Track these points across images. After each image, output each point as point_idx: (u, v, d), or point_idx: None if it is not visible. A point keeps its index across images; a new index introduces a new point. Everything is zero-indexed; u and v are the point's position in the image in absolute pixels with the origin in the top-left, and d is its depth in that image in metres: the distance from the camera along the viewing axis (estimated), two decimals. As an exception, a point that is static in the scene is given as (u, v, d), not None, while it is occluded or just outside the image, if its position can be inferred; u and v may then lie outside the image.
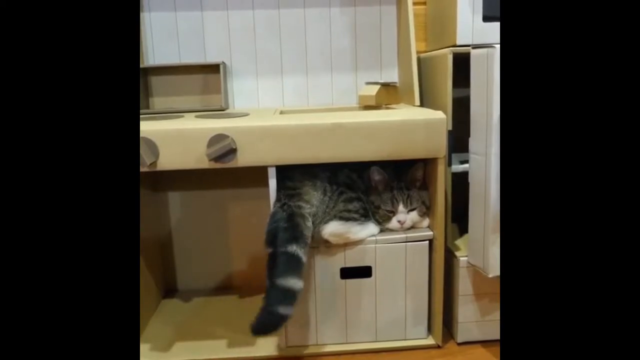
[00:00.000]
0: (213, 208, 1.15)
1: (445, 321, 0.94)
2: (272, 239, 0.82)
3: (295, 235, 0.81)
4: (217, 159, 0.81)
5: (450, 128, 0.88)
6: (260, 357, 0.91)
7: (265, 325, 0.79)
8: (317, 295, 0.90)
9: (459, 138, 0.91)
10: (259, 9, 1.11)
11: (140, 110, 1.05)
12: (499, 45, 0.74)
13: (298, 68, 1.14)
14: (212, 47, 1.12)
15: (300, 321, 0.91)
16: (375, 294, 0.91)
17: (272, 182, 0.85)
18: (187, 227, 1.16)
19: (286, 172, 0.88)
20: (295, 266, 0.80)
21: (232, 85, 1.14)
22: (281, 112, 0.97)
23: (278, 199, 0.85)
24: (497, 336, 0.93)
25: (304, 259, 0.81)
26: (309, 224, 0.84)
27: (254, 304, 1.10)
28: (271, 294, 0.80)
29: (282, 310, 0.78)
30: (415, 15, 1.08)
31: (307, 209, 0.85)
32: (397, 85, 1.11)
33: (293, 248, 0.80)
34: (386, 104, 1.05)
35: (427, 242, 0.90)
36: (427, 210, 0.91)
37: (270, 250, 0.82)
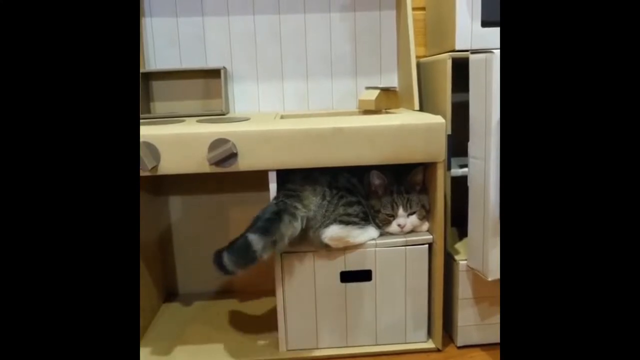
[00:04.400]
0: (214, 212, 1.16)
1: (445, 325, 0.94)
2: (252, 223, 0.82)
3: (267, 228, 0.80)
4: (218, 163, 0.81)
5: (449, 132, 0.89)
6: (261, 361, 0.91)
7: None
8: (317, 298, 0.90)
9: (458, 142, 0.91)
10: (260, 15, 1.12)
11: (142, 115, 1.06)
12: (497, 51, 0.75)
13: (298, 73, 1.15)
14: (213, 52, 1.13)
15: (300, 325, 0.92)
16: (375, 297, 0.91)
17: (273, 186, 0.86)
18: (188, 231, 1.17)
19: (286, 176, 0.88)
20: (243, 254, 0.80)
21: (233, 90, 1.15)
22: (282, 117, 0.98)
23: (276, 197, 0.86)
24: (497, 340, 0.93)
25: (259, 252, 0.79)
26: (296, 224, 0.83)
27: (255, 308, 1.12)
28: (227, 249, 0.82)
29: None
30: (415, 20, 1.09)
31: (302, 212, 0.84)
32: (397, 89, 1.11)
33: (253, 237, 0.79)
34: (386, 109, 1.06)
35: (427, 245, 0.90)
36: (426, 214, 0.92)
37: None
